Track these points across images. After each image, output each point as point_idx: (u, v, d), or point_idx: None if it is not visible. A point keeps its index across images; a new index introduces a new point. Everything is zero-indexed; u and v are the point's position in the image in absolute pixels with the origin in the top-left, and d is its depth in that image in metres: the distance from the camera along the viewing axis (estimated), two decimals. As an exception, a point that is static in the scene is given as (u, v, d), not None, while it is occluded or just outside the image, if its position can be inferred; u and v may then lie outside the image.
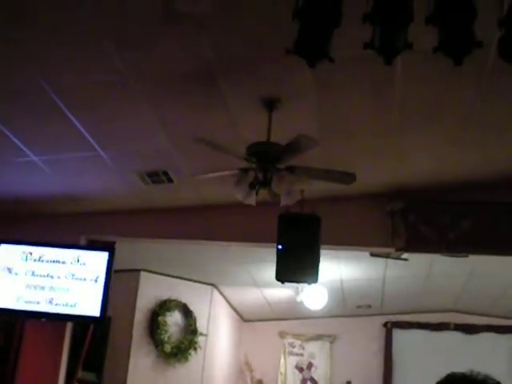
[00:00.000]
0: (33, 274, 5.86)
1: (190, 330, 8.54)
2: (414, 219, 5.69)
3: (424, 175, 5.48)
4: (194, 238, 6.18)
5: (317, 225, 5.17)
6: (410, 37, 2.51)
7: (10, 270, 5.88)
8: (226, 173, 4.40)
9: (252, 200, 4.39)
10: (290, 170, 4.25)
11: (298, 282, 5.95)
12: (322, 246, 5.27)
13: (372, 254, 6.68)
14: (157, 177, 5.39)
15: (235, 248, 6.60)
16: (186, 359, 8.38)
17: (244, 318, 10.65)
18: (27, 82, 3.92)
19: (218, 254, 7.29)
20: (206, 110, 4.29)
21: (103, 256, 5.91)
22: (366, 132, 4.65)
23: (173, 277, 8.48)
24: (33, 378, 5.94)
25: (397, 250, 5.88)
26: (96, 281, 5.84)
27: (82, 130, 4.56)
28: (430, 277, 8.05)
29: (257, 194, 4.35)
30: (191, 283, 8.69)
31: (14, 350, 6.04)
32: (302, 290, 8.78)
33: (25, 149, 4.87)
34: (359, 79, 3.88)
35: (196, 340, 8.52)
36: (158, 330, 8.17)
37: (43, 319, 5.86)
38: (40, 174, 5.35)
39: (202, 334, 8.63)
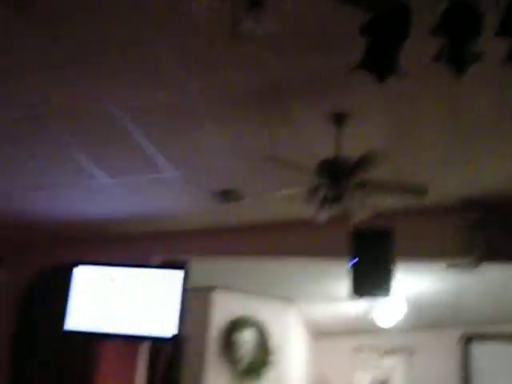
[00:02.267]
0: (107, 294, 5.99)
1: (264, 347, 8.55)
2: (491, 230, 5.56)
3: (501, 184, 5.36)
4: (267, 254, 6.24)
5: (390, 239, 5.15)
6: (479, 47, 2.48)
7: (85, 292, 6.03)
8: (296, 190, 4.42)
9: (323, 216, 4.40)
10: (362, 184, 4.24)
11: (371, 296, 5.89)
12: (397, 259, 5.23)
13: (449, 266, 6.55)
14: (228, 195, 5.42)
15: (309, 263, 6.61)
16: (261, 377, 8.39)
17: (318, 334, 10.57)
18: (97, 106, 4.07)
19: (292, 270, 7.31)
20: (274, 128, 4.35)
21: (177, 275, 5.96)
22: (437, 143, 4.60)
23: (246, 294, 8.50)
24: None
25: (473, 261, 5.75)
26: (170, 301, 5.89)
27: (153, 151, 4.69)
28: (508, 286, 7.82)
29: (328, 209, 4.35)
30: (265, 300, 8.69)
31: (91, 374, 6.19)
32: (375, 305, 8.67)
33: (97, 172, 5.05)
34: (429, 89, 3.85)
35: (270, 357, 8.53)
36: (232, 349, 8.23)
37: (118, 340, 5.97)
38: (112, 196, 5.54)
39: (275, 352, 8.63)
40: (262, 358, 8.45)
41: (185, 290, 5.92)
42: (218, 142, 4.56)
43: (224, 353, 8.23)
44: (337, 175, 4.15)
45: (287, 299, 8.87)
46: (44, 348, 6.45)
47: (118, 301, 5.96)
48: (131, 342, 6.06)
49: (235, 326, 8.39)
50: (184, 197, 5.56)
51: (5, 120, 4.29)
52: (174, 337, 5.83)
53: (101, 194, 5.49)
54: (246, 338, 8.46)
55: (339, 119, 4.11)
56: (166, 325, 5.84)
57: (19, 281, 6.63)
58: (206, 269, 7.15)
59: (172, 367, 7.20)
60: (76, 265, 6.12)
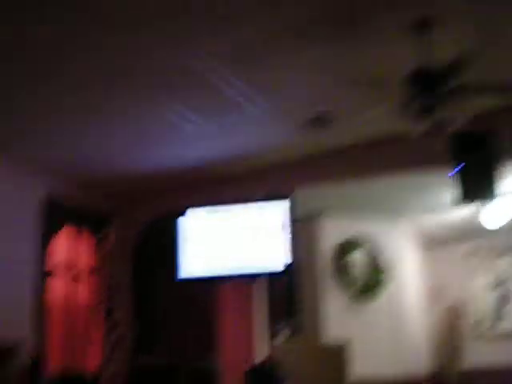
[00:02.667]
0: (217, 236, 6.07)
1: (377, 265, 8.56)
2: None
3: None
4: (369, 173, 6.24)
5: (492, 141, 4.99)
6: None
7: (195, 236, 6.13)
8: (388, 106, 4.34)
9: (420, 128, 4.30)
10: (457, 90, 4.09)
11: (479, 200, 5.78)
12: (503, 160, 5.12)
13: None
14: (320, 120, 5.44)
15: (411, 176, 6.55)
16: (377, 295, 8.43)
17: (429, 244, 10.43)
18: (180, 55, 4.17)
19: (396, 185, 7.14)
20: (359, 47, 4.27)
21: (283, 207, 5.98)
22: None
23: (353, 215, 8.44)
24: (233, 335, 6.30)
25: None
26: (279, 233, 5.93)
27: (241, 90, 4.72)
28: None
29: (425, 121, 4.25)
30: (372, 218, 8.63)
31: (212, 316, 6.40)
32: (483, 208, 8.46)
33: (189, 118, 5.18)
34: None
35: (383, 275, 8.55)
36: (345, 271, 8.31)
37: (234, 281, 6.11)
38: (209, 140, 5.67)
39: (388, 269, 8.65)
40: (376, 276, 8.48)
41: (292, 221, 5.97)
42: (303, 71, 4.52)
43: (338, 276, 8.29)
44: (429, 85, 4.02)
45: (394, 215, 8.76)
46: (162, 296, 6.74)
47: (229, 241, 6.05)
48: (247, 280, 6.19)
49: (346, 248, 8.41)
50: (277, 130, 5.59)
51: (99, 82, 4.41)
52: (287, 268, 5.89)
53: (197, 139, 5.60)
54: (358, 259, 8.48)
55: (426, 27, 3.96)
56: (277, 258, 5.91)
57: (131, 234, 6.85)
58: (310, 196, 7.15)
59: (289, 298, 7.39)
60: (184, 211, 6.23)
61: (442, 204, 8.08)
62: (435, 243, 10.42)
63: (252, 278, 6.20)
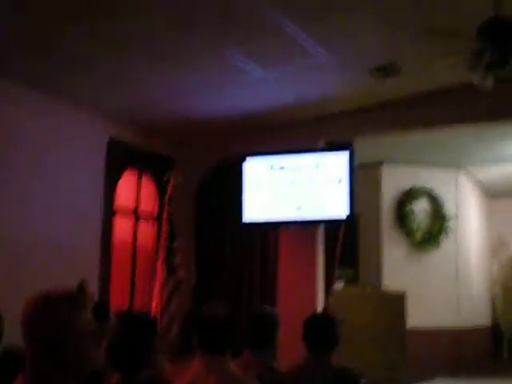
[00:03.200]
0: (278, 183, 6.11)
1: (439, 215, 8.56)
2: None
3: None
4: (432, 124, 6.13)
5: None
6: None
7: (257, 183, 6.19)
8: (457, 58, 4.20)
9: (489, 82, 4.15)
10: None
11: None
12: None
13: None
14: (385, 70, 5.32)
15: (476, 128, 6.47)
16: (438, 245, 8.46)
17: (491, 196, 10.32)
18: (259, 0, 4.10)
19: (460, 136, 7.20)
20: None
21: (343, 156, 5.96)
22: None
23: (415, 164, 8.50)
24: (293, 283, 6.34)
25: None
26: (340, 181, 5.92)
27: (304, 38, 4.64)
28: None
29: (494, 74, 4.10)
30: (434, 168, 8.61)
31: (271, 261, 6.45)
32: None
33: (251, 66, 5.14)
34: None
35: (446, 224, 8.50)
36: (407, 220, 8.33)
37: (295, 226, 6.15)
38: (269, 87, 5.61)
39: (451, 218, 8.56)
40: (438, 225, 8.46)
41: (352, 169, 5.92)
42: (372, 19, 4.40)
43: (399, 225, 8.38)
44: (500, 37, 3.86)
45: (457, 165, 8.69)
46: (226, 240, 6.78)
47: (290, 188, 6.07)
48: (307, 226, 6.21)
49: (407, 197, 8.44)
50: (342, 78, 5.51)
51: (164, 29, 4.43)
52: (348, 217, 5.88)
53: (259, 86, 5.56)
54: (420, 208, 8.52)
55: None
56: (338, 206, 5.90)
57: (194, 179, 6.91)
58: (372, 145, 7.18)
59: (350, 246, 7.40)
60: (245, 157, 6.27)
61: (505, 156, 7.94)
62: (498, 195, 10.27)
63: (313, 224, 6.22)
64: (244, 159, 6.26)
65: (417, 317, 7.64)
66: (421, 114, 6.03)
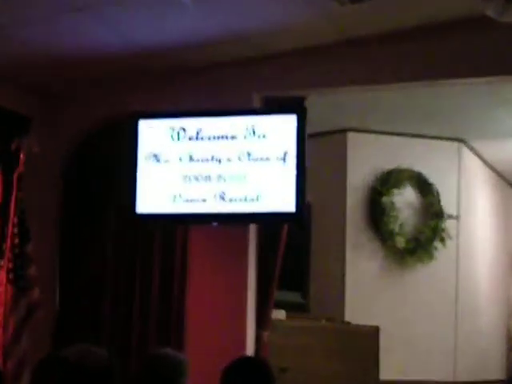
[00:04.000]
0: (191, 158, 6.08)
1: (432, 211, 8.57)
2: None
3: None
4: (419, 77, 6.12)
5: None
6: None
7: (157, 158, 6.15)
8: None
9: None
10: None
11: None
12: None
13: None
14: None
15: (491, 85, 6.54)
16: (431, 256, 8.44)
17: (500, 178, 10.45)
18: None
19: (465, 95, 7.18)
20: None
21: (290, 120, 5.92)
22: None
23: (396, 136, 8.48)
24: (210, 309, 6.30)
25: None
26: (284, 159, 5.91)
27: None
28: None
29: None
30: (426, 142, 8.63)
31: (177, 270, 6.42)
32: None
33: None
34: None
35: (443, 226, 8.52)
36: (384, 217, 8.30)
37: (214, 223, 6.11)
38: (182, 14, 5.49)
39: (450, 217, 8.59)
40: (430, 227, 8.44)
41: (303, 141, 5.89)
42: None
43: (371, 225, 8.36)
44: None
45: (459, 139, 8.75)
46: (107, 243, 6.73)
47: (208, 166, 6.06)
48: (233, 224, 6.21)
49: (385, 183, 8.39)
50: (289, 2, 5.43)
51: None
52: (296, 212, 5.85)
53: (162, 10, 5.46)
54: (404, 201, 8.48)
55: None
56: (280, 195, 5.91)
57: (60, 149, 6.88)
58: (333, 105, 7.20)
59: (297, 254, 7.35)
60: (139, 118, 6.21)
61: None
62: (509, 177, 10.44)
63: (242, 221, 6.23)
64: (137, 121, 6.20)
65: (395, 365, 7.64)
66: (405, 60, 6.01)
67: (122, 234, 6.72)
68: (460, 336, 8.58)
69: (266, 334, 6.36)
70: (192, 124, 6.10)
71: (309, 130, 6.01)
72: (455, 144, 8.75)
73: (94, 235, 6.80)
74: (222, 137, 6.05)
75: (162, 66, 6.42)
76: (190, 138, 6.10)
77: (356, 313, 7.93)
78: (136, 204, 6.18)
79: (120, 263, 6.70)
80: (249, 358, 4.65)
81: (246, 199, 5.97)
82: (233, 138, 6.04)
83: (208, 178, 6.04)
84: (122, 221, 6.61)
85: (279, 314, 7.06)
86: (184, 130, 6.11)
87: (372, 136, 8.43)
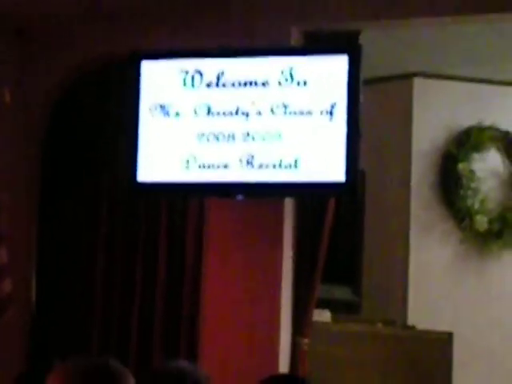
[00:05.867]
0: (209, 111, 6.03)
1: None
2: None
3: None
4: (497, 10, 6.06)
5: None
6: None
7: (164, 110, 6.11)
8: None
9: None
10: None
11: None
12: None
13: None
14: None
15: None
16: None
17: None
18: None
19: None
20: None
21: (339, 63, 5.89)
22: None
23: (478, 82, 8.43)
24: (233, 308, 6.31)
25: None
26: (331, 113, 5.86)
27: None
28: None
29: None
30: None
31: (189, 258, 6.45)
32: None
33: None
34: None
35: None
36: (460, 190, 8.28)
37: (239, 196, 6.09)
38: None
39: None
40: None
41: (356, 91, 5.84)
42: None
43: (444, 200, 8.35)
44: None
45: None
46: (101, 220, 6.76)
47: (232, 122, 6.01)
48: (264, 197, 6.25)
49: (462, 145, 8.35)
50: None
51: None
52: (346, 181, 5.82)
53: None
54: (488, 169, 8.47)
55: None
56: (326, 161, 5.88)
57: (39, 97, 6.92)
58: (395, 45, 7.22)
59: (347, 237, 7.28)
60: (141, 57, 6.20)
61: None
62: None
63: (276, 193, 6.26)
64: (139, 62, 6.18)
65: (472, 382, 7.55)
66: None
67: (117, 210, 6.74)
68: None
69: (305, 342, 6.35)
70: (211, 66, 6.06)
71: (363, 74, 5.95)
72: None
73: (81, 211, 6.83)
74: (251, 83, 6.00)
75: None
76: (208, 85, 6.05)
77: (423, 314, 7.93)
78: (137, 170, 6.15)
79: (115, 249, 6.72)
80: (283, 376, 4.59)
81: (280, 165, 5.92)
82: (264, 84, 5.98)
83: (231, 136, 5.99)
84: (119, 193, 6.62)
85: (323, 316, 7.11)
86: (200, 73, 6.06)
87: (445, 83, 8.39)
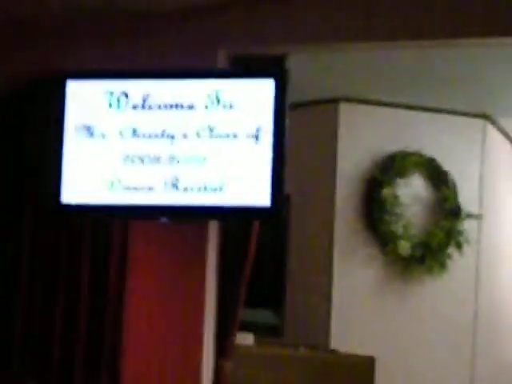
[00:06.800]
0: (134, 133, 5.98)
1: (447, 208, 8.68)
2: None
3: None
4: (432, 35, 6.08)
5: None
6: None
7: (90, 131, 6.04)
8: None
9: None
10: None
11: None
12: None
13: None
14: None
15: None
16: (443, 266, 8.53)
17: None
18: None
19: (485, 61, 7.25)
20: None
21: (266, 86, 5.86)
22: None
23: (403, 107, 8.53)
24: (155, 332, 6.27)
25: None
26: (257, 137, 5.83)
27: None
28: None
29: None
30: (441, 118, 8.71)
31: (113, 276, 6.38)
32: None
33: None
34: None
35: (460, 227, 8.60)
36: (384, 215, 8.38)
37: (163, 219, 6.06)
38: None
39: (470, 216, 8.68)
40: (445, 229, 8.50)
41: (282, 115, 5.82)
42: None
43: (368, 224, 8.45)
44: None
45: (484, 114, 8.85)
46: (24, 241, 6.65)
47: (157, 145, 5.97)
48: (188, 220, 6.19)
49: (387, 170, 8.43)
50: None
51: None
52: (271, 206, 5.75)
53: None
54: (410, 194, 8.58)
55: None
56: (250, 185, 5.83)
57: None
58: (321, 69, 7.32)
59: (270, 261, 7.30)
60: (67, 77, 6.13)
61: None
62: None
63: (200, 217, 6.18)
64: (65, 82, 6.10)
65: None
66: (413, 10, 5.99)
67: (41, 230, 6.60)
68: (478, 370, 8.58)
69: (228, 365, 6.36)
70: (137, 88, 6.01)
71: (290, 99, 5.90)
72: (479, 122, 8.78)
73: (4, 233, 6.72)
74: (177, 106, 5.96)
75: (99, 12, 6.38)
76: (134, 107, 5.99)
77: (345, 338, 7.98)
78: (61, 192, 6.06)
79: (38, 269, 6.60)
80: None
81: (205, 188, 5.86)
82: (190, 107, 5.94)
83: (157, 159, 5.94)
84: (42, 214, 6.52)
85: (246, 339, 7.14)
86: (126, 95, 6.01)
87: (371, 108, 8.50)
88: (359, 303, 8.21)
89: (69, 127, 6.06)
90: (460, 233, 8.48)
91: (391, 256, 8.32)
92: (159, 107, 5.96)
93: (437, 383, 8.26)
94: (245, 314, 6.60)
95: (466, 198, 8.60)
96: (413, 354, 8.20)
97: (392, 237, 8.28)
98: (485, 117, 8.75)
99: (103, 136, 6.01)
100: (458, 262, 8.50)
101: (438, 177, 8.58)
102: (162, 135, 5.92)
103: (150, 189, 5.92)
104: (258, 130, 5.79)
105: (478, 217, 8.65)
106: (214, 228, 6.35)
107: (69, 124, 6.06)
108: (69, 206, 6.09)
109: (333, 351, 7.70)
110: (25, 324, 6.60)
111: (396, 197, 8.34)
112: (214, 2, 6.23)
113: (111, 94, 6.01)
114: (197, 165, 5.87)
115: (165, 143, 5.92)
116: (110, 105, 6.00)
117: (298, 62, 6.31)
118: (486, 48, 6.64)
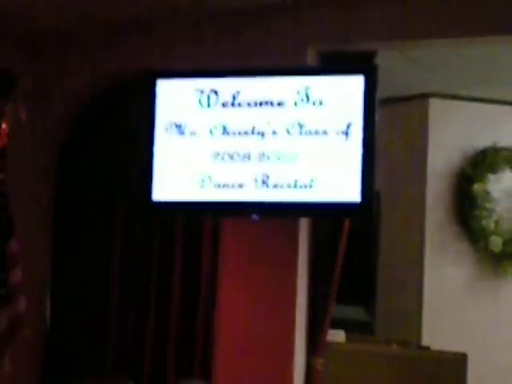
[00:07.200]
0: (224, 131, 6.00)
1: None
2: None
3: None
4: None
5: None
6: None
7: (180, 129, 6.08)
8: None
9: None
10: None
11: None
12: None
13: None
14: None
15: None
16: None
17: None
18: None
19: None
20: None
21: (355, 83, 5.84)
22: None
23: (494, 102, 8.47)
24: (247, 329, 6.27)
25: None
26: (346, 133, 5.82)
27: None
28: None
29: None
30: None
31: (204, 277, 6.48)
32: None
33: None
34: None
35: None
36: (475, 211, 8.29)
37: (253, 216, 6.04)
38: None
39: None
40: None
41: (372, 111, 5.79)
42: None
43: (459, 220, 8.37)
44: None
45: None
46: (115, 239, 6.78)
47: (247, 142, 5.98)
48: (278, 217, 6.15)
49: (477, 166, 8.39)
50: None
51: None
52: (361, 202, 5.74)
53: None
54: (503, 189, 8.49)
55: None
56: (340, 180, 5.81)
57: (54, 117, 6.92)
58: (411, 65, 7.21)
59: (362, 258, 7.26)
60: (157, 76, 6.18)
61: None
62: None
63: (290, 214, 6.16)
64: (155, 81, 6.15)
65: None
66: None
67: (132, 229, 6.74)
68: None
69: (319, 362, 6.34)
70: (227, 86, 6.02)
71: (379, 95, 5.88)
72: None
73: (96, 231, 6.83)
74: (266, 103, 5.94)
75: (187, 11, 6.39)
76: (223, 104, 6.01)
77: (437, 335, 7.93)
78: (152, 189, 6.11)
79: (130, 268, 6.73)
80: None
81: (295, 185, 5.86)
82: (280, 104, 5.93)
83: (247, 156, 5.95)
84: (134, 212, 6.63)
85: (337, 336, 7.09)
86: (216, 93, 6.03)
87: (461, 103, 8.41)
88: (450, 300, 8.12)
89: (159, 126, 6.11)
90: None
91: (483, 252, 8.22)
92: (249, 104, 5.96)
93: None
94: (336, 311, 6.58)
95: None
96: (504, 351, 8.10)
97: (483, 233, 8.18)
98: None
99: (193, 134, 6.04)
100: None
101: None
102: (252, 132, 5.93)
103: (241, 186, 5.94)
104: (347, 127, 5.78)
105: None
106: (304, 225, 6.32)
107: (159, 122, 6.11)
108: (160, 204, 6.13)
109: (425, 348, 7.63)
110: (117, 325, 6.73)
111: (487, 192, 8.24)
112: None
113: (201, 92, 6.03)
114: (287, 162, 5.87)
115: (255, 140, 5.92)
116: (200, 103, 6.03)
117: (387, 58, 6.27)
118: None
